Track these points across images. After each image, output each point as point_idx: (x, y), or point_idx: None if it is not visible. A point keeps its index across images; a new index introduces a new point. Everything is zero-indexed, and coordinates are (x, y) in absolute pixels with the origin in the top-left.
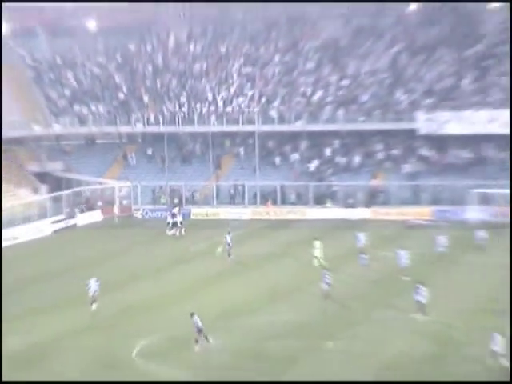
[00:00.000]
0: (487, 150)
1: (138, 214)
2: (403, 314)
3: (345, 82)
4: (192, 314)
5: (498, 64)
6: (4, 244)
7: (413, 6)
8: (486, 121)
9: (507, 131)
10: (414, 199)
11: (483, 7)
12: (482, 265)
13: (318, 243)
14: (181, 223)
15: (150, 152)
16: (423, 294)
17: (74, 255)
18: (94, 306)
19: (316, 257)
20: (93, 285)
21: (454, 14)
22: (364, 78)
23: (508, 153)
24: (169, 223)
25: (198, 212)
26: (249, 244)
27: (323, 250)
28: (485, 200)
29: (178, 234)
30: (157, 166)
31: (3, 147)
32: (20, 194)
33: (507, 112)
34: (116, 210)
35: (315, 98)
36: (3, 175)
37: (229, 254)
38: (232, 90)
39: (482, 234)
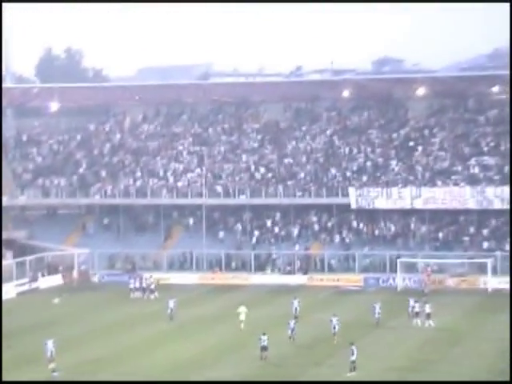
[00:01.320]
0: (412, 223)
1: (95, 278)
2: (335, 372)
3: (284, 160)
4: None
5: (422, 145)
6: None
7: (346, 93)
8: (411, 197)
9: (429, 206)
10: (347, 267)
11: (409, 95)
12: (405, 328)
13: (242, 308)
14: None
15: (106, 222)
16: (354, 353)
17: (35, 316)
18: (52, 365)
19: (241, 321)
20: (50, 345)
21: (382, 101)
22: (301, 156)
23: (429, 226)
24: (131, 288)
25: (140, 276)
26: (195, 306)
27: (247, 314)
28: (409, 268)
29: (145, 297)
30: (113, 235)
31: None
32: None
33: (429, 189)
34: (75, 274)
35: (257, 174)
36: None
37: (171, 318)
38: (182, 166)
39: (411, 302)
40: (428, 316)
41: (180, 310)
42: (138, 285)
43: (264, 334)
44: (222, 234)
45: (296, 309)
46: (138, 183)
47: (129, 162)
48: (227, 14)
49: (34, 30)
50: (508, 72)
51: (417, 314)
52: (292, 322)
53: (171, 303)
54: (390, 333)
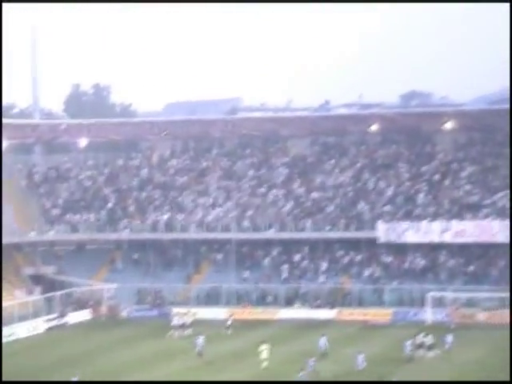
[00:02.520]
0: (441, 256)
1: (124, 314)
2: None
3: (312, 194)
4: None
5: (450, 179)
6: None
7: (374, 127)
8: (440, 230)
9: (458, 240)
10: (376, 301)
11: (438, 128)
12: (436, 362)
13: (264, 346)
14: (184, 325)
15: (135, 257)
16: None
17: (64, 351)
18: None
19: (264, 359)
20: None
21: (411, 134)
22: (330, 190)
23: (458, 260)
24: (174, 325)
25: (178, 312)
26: (224, 341)
27: (271, 350)
28: (439, 302)
29: (180, 334)
30: (141, 270)
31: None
32: (16, 294)
33: (458, 223)
34: (104, 309)
35: (286, 208)
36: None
37: (200, 354)
38: (210, 200)
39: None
40: (429, 347)
41: (209, 345)
42: (180, 322)
43: (302, 370)
44: (250, 268)
45: (322, 347)
46: (167, 218)
47: (157, 196)
48: (256, 49)
49: (62, 65)
50: None
51: (419, 345)
52: (312, 360)
53: (200, 339)
54: (420, 368)
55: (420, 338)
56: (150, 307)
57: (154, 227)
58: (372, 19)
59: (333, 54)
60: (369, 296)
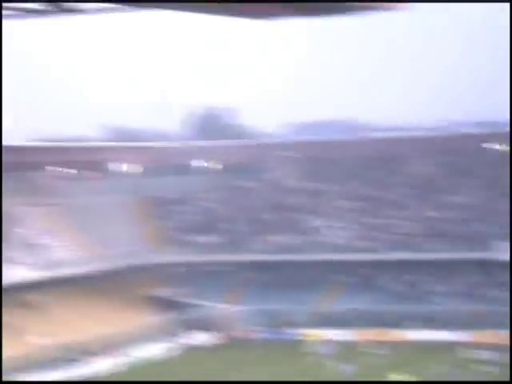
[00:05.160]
0: None
1: (252, 336)
2: None
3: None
4: None
5: None
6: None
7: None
8: None
9: None
10: None
11: None
12: None
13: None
14: None
15: (259, 279)
16: None
17: (188, 373)
18: None
19: None
20: None
21: None
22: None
23: None
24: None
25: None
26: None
27: None
28: None
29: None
30: (268, 292)
31: None
32: (136, 315)
33: None
34: (231, 331)
35: (404, 229)
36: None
37: None
38: (331, 222)
39: None
40: None
41: None
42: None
43: None
44: (376, 289)
45: None
46: (289, 240)
47: (280, 218)
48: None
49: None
50: None
51: None
52: None
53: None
54: None
55: None
56: (279, 329)
57: (278, 249)
58: None
59: None
60: None
